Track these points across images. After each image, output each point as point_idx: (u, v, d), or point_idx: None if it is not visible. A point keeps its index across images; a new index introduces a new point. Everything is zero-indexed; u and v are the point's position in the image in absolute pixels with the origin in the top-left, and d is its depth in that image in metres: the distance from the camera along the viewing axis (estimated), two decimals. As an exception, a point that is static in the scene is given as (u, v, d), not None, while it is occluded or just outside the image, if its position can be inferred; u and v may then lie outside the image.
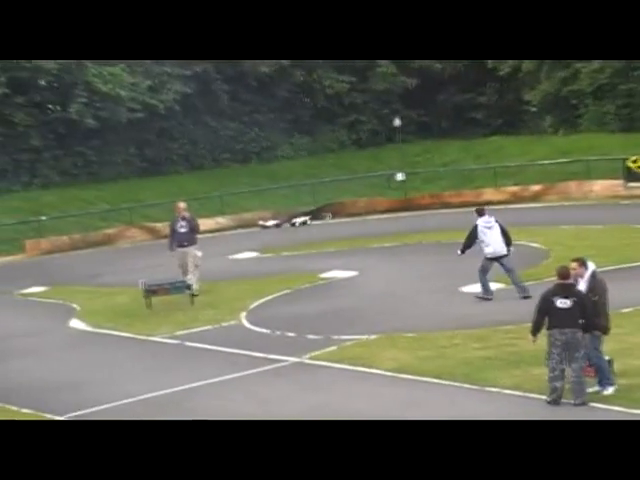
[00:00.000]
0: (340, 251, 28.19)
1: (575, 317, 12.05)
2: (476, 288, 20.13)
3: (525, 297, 18.38)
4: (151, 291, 21.75)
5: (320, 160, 46.35)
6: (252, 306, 20.99)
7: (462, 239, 20.39)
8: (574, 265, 12.60)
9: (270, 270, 25.69)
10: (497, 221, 19.57)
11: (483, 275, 19.39)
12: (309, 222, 36.96)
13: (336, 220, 37.37)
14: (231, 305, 21.28)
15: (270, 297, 21.81)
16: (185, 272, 22.67)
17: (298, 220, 37.01)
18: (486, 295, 19.32)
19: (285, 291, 22.34)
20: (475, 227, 19.61)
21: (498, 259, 19.36)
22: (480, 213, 19.86)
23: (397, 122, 42.73)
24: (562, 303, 12.10)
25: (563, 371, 12.19)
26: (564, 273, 12.31)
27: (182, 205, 23.50)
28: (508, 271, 19.35)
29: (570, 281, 12.27)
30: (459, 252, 20.20)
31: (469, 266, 21.70)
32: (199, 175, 44.34)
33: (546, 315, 12.27)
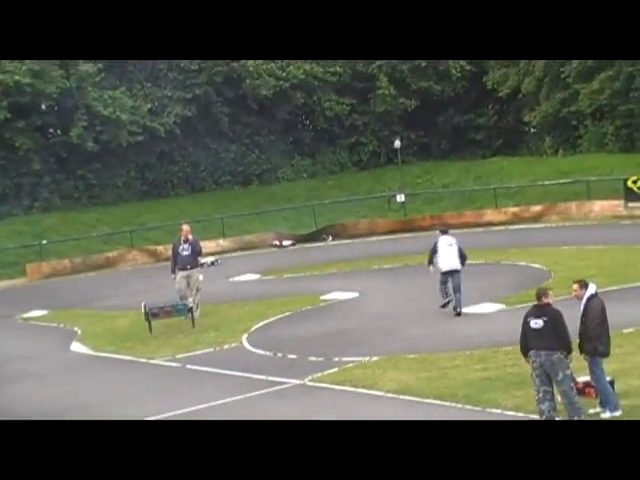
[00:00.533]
0: (341, 273, 28.19)
1: (548, 338, 11.90)
2: (477, 309, 20.18)
3: (444, 305, 20.58)
4: (153, 314, 21.73)
5: (321, 182, 46.45)
6: (253, 328, 20.98)
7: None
8: (575, 287, 12.61)
9: (271, 292, 25.68)
10: (457, 243, 21.11)
11: (443, 286, 20.76)
12: (218, 262, 34.25)
13: (337, 242, 37.37)
14: (233, 327, 21.28)
15: (271, 319, 21.80)
16: (184, 296, 22.56)
17: (207, 260, 33.49)
18: (445, 299, 20.62)
19: (286, 313, 22.33)
20: (436, 243, 21.09)
21: (452, 273, 20.65)
22: (443, 232, 21.57)
23: (397, 143, 42.82)
24: (535, 323, 12.04)
25: (547, 392, 12.04)
26: (538, 294, 12.32)
27: (187, 228, 23.36)
28: (456, 284, 20.52)
29: (546, 301, 12.21)
30: (429, 268, 21.30)
31: (470, 288, 21.72)
32: (200, 197, 44.45)
33: (526, 336, 12.27)
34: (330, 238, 38.06)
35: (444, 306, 20.63)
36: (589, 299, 12.44)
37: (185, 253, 22.83)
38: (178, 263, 22.82)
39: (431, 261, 21.19)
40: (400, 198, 40.29)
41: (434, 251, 21.07)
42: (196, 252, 23.05)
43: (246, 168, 46.98)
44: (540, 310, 12.13)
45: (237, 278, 29.65)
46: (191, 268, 22.84)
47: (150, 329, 21.60)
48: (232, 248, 38.34)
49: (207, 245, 37.14)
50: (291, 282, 27.45)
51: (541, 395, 12.07)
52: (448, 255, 20.84)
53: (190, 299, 22.38)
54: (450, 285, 20.64)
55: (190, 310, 21.92)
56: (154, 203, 43.32)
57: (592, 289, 12.54)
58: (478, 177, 43.14)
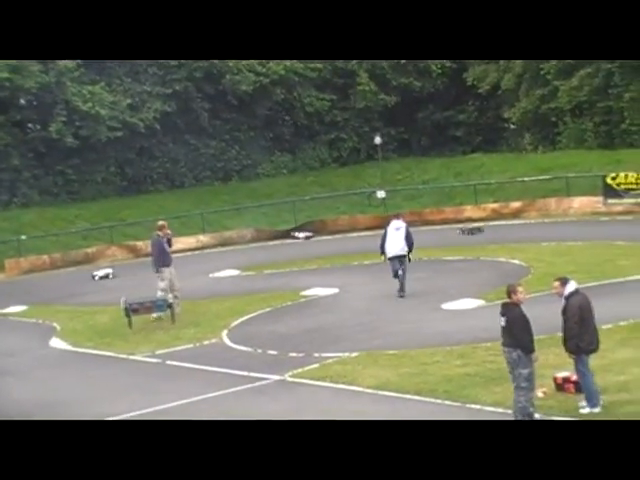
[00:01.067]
0: (321, 269, 28.20)
1: (507, 336, 12.16)
2: (457, 305, 20.22)
3: (400, 296, 21.84)
4: (133, 310, 21.68)
5: (301, 178, 46.42)
6: (233, 324, 20.96)
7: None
8: (556, 284, 12.66)
9: (251, 288, 25.66)
10: (407, 227, 22.47)
11: (395, 275, 22.00)
12: (111, 276, 31.83)
13: (317, 238, 37.34)
14: (212, 323, 21.25)
15: (251, 315, 21.79)
16: (173, 290, 22.61)
17: (99, 273, 32.21)
18: (400, 292, 21.93)
19: (266, 309, 22.32)
20: (386, 229, 22.61)
21: (398, 258, 21.99)
22: (395, 217, 23.03)
23: (377, 140, 42.82)
24: (501, 321, 12.30)
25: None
26: (507, 290, 12.44)
27: (166, 224, 23.62)
28: (403, 270, 21.97)
29: (514, 298, 12.28)
30: (382, 257, 22.69)
31: (450, 283, 21.76)
32: (180, 193, 44.34)
33: None
34: (310, 234, 38.02)
35: (401, 293, 21.89)
36: (568, 297, 12.48)
37: (168, 249, 22.95)
38: (165, 260, 22.79)
39: (383, 249, 22.36)
40: (380, 194, 40.30)
41: (384, 239, 22.31)
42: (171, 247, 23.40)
43: (226, 164, 46.89)
44: (504, 308, 12.35)
45: (217, 274, 29.60)
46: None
47: (130, 325, 21.56)
48: (212, 244, 38.27)
49: (187, 241, 37.19)
50: (271, 278, 27.42)
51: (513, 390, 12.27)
52: (393, 240, 22.14)
53: (176, 293, 22.38)
54: (400, 272, 21.91)
55: (170, 306, 21.89)
56: (133, 199, 43.18)
57: (572, 287, 12.57)
58: (458, 173, 43.21)
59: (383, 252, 22.41)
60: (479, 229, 33.60)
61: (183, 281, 23.78)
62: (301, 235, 37.65)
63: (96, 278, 31.73)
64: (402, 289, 21.89)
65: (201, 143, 46.32)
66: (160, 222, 23.94)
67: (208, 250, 37.30)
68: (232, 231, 39.11)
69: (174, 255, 23.64)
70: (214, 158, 46.59)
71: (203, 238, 38.66)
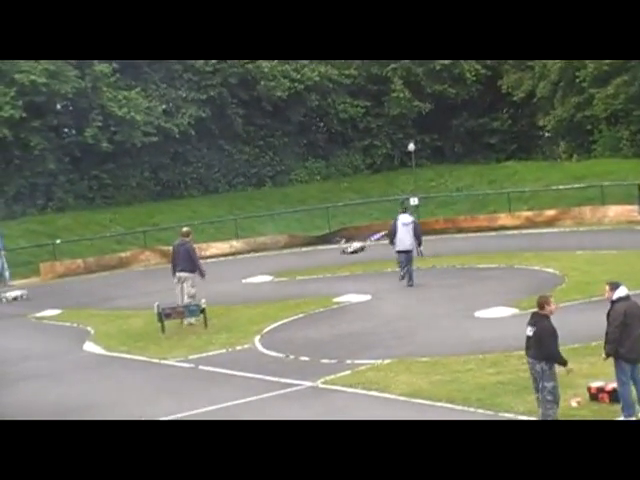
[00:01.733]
0: (354, 275, 28.17)
1: (533, 347, 12.15)
2: (490, 313, 20.14)
3: (409, 285, 23.61)
4: (166, 314, 21.77)
5: (334, 184, 46.43)
6: (266, 330, 20.98)
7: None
8: (607, 288, 12.61)
9: (284, 294, 25.67)
10: (414, 222, 24.16)
11: (402, 267, 23.71)
12: (24, 297, 30.66)
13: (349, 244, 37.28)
14: (245, 329, 21.28)
15: (284, 321, 21.80)
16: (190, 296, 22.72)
17: (11, 294, 31.04)
18: (409, 282, 23.69)
19: (299, 315, 22.33)
20: (395, 223, 23.67)
21: (405, 252, 23.55)
22: (403, 212, 24.33)
23: (411, 147, 42.71)
24: (528, 330, 12.28)
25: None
26: (539, 302, 12.39)
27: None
28: (408, 262, 23.68)
29: (548, 309, 12.22)
30: (391, 244, 24.38)
31: (483, 291, 21.66)
32: (213, 199, 44.48)
33: None
34: (343, 240, 38.01)
35: (402, 278, 23.85)
36: (614, 301, 12.41)
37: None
38: (196, 266, 22.86)
39: (392, 241, 23.76)
40: (414, 201, 40.22)
41: (394, 232, 23.53)
42: None
43: (260, 170, 47.02)
44: (534, 318, 12.34)
45: (250, 280, 29.65)
46: None
47: (163, 329, 21.65)
48: (245, 249, 38.34)
49: (220, 246, 37.33)
50: (304, 284, 27.43)
51: (539, 400, 12.20)
52: (401, 235, 23.42)
53: (203, 300, 22.41)
54: (407, 266, 23.50)
55: (203, 311, 21.93)
56: (167, 204, 43.38)
57: (621, 292, 12.47)
58: (492, 181, 43.07)
59: (392, 243, 23.99)
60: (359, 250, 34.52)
61: (216, 286, 23.85)
62: (357, 245, 35.44)
63: (4, 301, 30.69)
64: (410, 278, 23.55)
65: (235, 149, 46.48)
66: (186, 228, 24.03)
67: (241, 255, 37.38)
68: (265, 237, 39.20)
69: (208, 260, 23.66)
70: (248, 164, 46.74)
71: (236, 243, 38.74)
